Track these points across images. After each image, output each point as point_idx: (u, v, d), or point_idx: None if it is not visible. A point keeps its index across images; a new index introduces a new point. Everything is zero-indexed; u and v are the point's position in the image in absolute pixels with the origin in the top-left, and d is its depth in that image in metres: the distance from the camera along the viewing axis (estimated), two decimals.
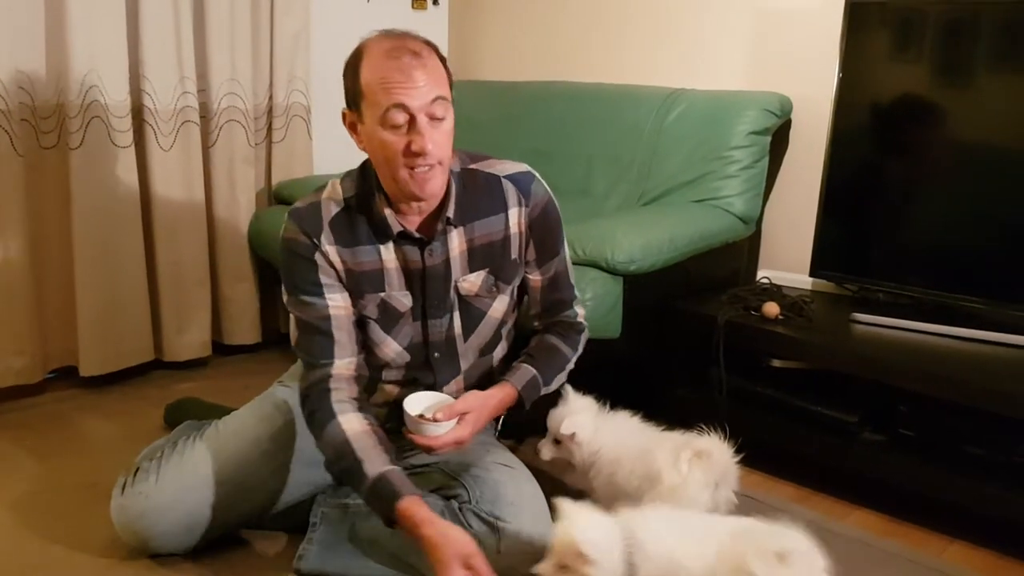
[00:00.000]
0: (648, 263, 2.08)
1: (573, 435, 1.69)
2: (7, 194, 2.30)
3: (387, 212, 1.54)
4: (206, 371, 2.73)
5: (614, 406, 1.77)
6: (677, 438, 1.65)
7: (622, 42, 2.88)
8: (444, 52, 3.36)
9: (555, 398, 1.76)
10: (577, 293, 1.77)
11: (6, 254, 2.33)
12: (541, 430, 1.76)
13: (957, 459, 1.85)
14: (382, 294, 1.59)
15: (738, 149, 2.37)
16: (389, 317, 1.61)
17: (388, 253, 1.57)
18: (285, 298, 1.61)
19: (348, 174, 1.61)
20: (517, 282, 1.69)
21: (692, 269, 2.24)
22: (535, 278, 1.70)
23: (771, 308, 2.10)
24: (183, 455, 1.68)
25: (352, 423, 1.50)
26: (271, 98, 2.81)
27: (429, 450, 1.52)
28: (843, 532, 1.85)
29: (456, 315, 1.64)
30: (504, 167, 1.64)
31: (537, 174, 1.66)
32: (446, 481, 1.65)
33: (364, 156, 1.56)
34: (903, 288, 2.13)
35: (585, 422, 1.70)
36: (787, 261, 2.50)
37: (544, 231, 1.65)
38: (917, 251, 2.12)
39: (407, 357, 1.65)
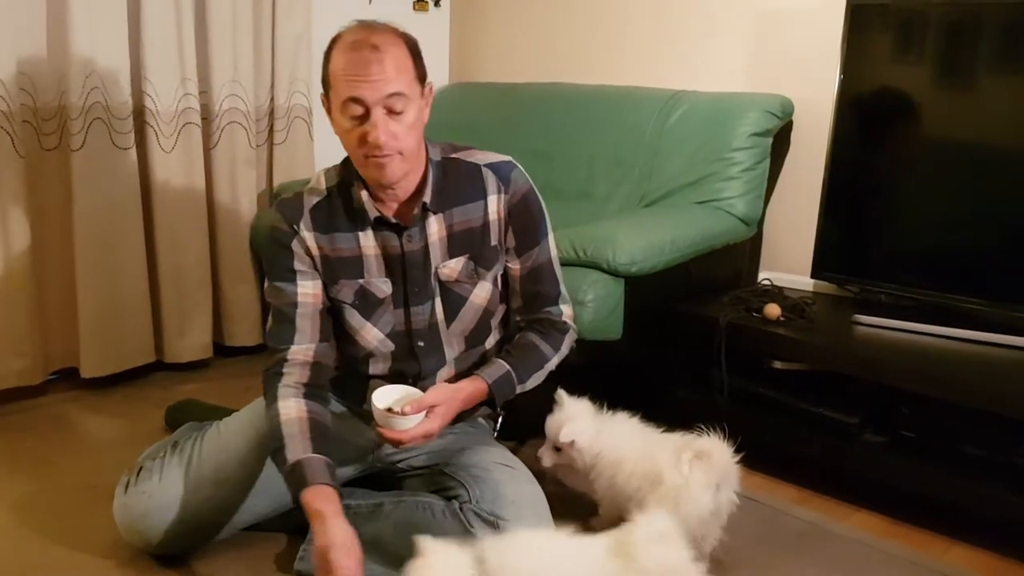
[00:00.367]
0: (649, 265, 2.08)
1: (573, 442, 1.69)
2: (9, 195, 2.30)
3: (364, 198, 1.58)
4: (207, 373, 2.73)
5: (615, 407, 1.77)
6: (678, 439, 1.65)
7: (623, 44, 2.88)
8: (444, 54, 3.34)
9: (551, 403, 1.75)
10: (563, 290, 1.76)
11: (7, 255, 2.33)
12: (542, 432, 1.76)
13: (958, 460, 1.84)
14: (360, 280, 1.62)
15: (739, 151, 2.37)
16: (368, 303, 1.63)
17: (367, 240, 1.61)
18: (265, 287, 1.66)
19: (334, 165, 1.65)
20: (499, 269, 1.70)
21: (693, 271, 2.24)
22: (515, 267, 1.70)
23: (772, 310, 2.10)
24: (185, 455, 1.68)
25: (288, 408, 1.52)
26: (272, 100, 2.81)
27: (397, 444, 1.52)
28: (844, 533, 1.85)
29: (438, 301, 1.65)
30: (485, 156, 1.67)
31: (519, 165, 1.69)
32: (447, 482, 1.65)
33: None
34: (904, 290, 2.12)
35: (584, 428, 1.70)
36: (788, 262, 2.50)
37: (524, 219, 1.67)
38: (918, 253, 2.12)
39: (391, 346, 1.67)
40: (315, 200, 1.62)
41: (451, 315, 1.67)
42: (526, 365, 1.68)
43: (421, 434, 1.51)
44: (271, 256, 1.64)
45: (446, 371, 1.71)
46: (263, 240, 1.63)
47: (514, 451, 1.75)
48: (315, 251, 1.61)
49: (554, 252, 1.74)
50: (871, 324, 2.07)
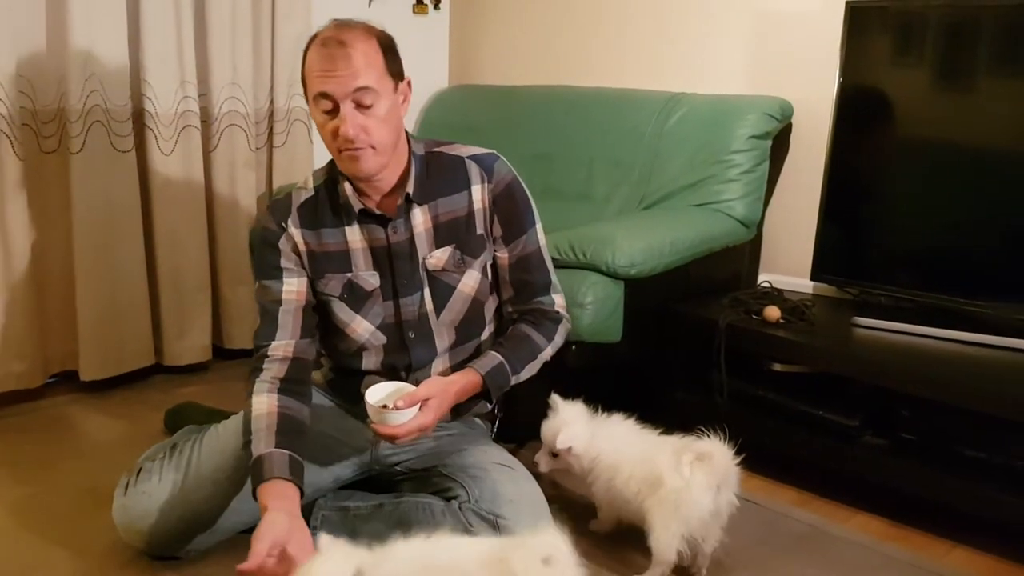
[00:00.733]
0: (649, 267, 2.08)
1: (569, 448, 1.69)
2: (8, 198, 2.30)
3: (348, 192, 1.62)
4: (207, 375, 2.73)
5: (615, 409, 1.76)
6: (677, 442, 1.64)
7: (623, 46, 2.88)
8: (444, 56, 3.34)
9: (545, 407, 1.75)
10: (554, 279, 1.77)
11: (7, 258, 2.33)
12: (539, 435, 1.75)
13: (959, 463, 1.84)
14: (348, 274, 1.65)
15: (739, 153, 2.37)
16: (356, 296, 1.66)
17: (353, 234, 1.65)
18: (255, 287, 1.70)
19: (323, 165, 1.70)
20: (487, 258, 1.71)
21: (693, 273, 2.24)
22: (503, 255, 1.72)
23: (772, 312, 2.10)
24: (185, 456, 1.68)
25: (260, 404, 1.54)
26: (272, 102, 2.81)
27: (393, 439, 1.52)
28: (845, 536, 1.84)
29: (426, 291, 1.67)
30: (468, 149, 1.71)
31: (502, 157, 1.72)
32: (445, 483, 1.65)
33: None
34: (904, 292, 2.12)
35: (579, 433, 1.69)
36: (788, 265, 2.50)
37: (509, 207, 1.69)
38: (918, 255, 2.12)
39: (383, 338, 1.68)
40: (303, 198, 1.67)
41: (440, 305, 1.69)
42: (519, 355, 1.68)
43: (416, 427, 1.51)
44: (260, 255, 1.68)
45: (440, 363, 1.72)
46: (255, 241, 1.66)
47: (512, 453, 1.74)
48: (302, 247, 1.65)
49: (543, 242, 1.75)
50: (871, 326, 2.07)
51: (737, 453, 1.58)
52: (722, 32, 2.62)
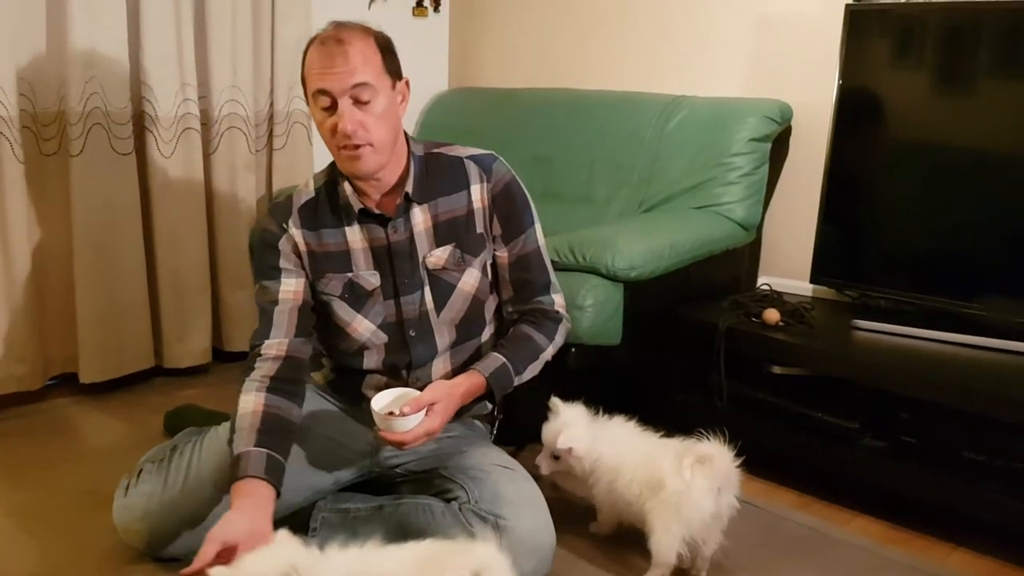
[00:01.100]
0: (649, 269, 2.08)
1: (570, 449, 1.69)
2: (8, 200, 2.30)
3: (348, 192, 1.63)
4: (206, 378, 2.73)
5: (615, 412, 1.77)
6: (677, 444, 1.65)
7: (623, 49, 2.89)
8: (444, 59, 3.36)
9: (545, 410, 1.75)
10: (553, 279, 1.78)
11: (7, 261, 2.33)
12: (540, 437, 1.75)
13: (958, 465, 1.84)
14: (349, 274, 1.66)
15: (739, 156, 2.37)
16: (357, 296, 1.67)
17: (354, 235, 1.66)
18: (254, 289, 1.70)
19: (324, 167, 1.71)
20: (486, 257, 1.72)
21: (693, 275, 2.25)
22: (502, 255, 1.72)
23: (771, 314, 2.10)
24: (185, 457, 1.68)
25: (247, 402, 1.55)
26: (272, 105, 2.82)
27: (400, 445, 1.52)
28: (845, 539, 1.84)
29: (427, 289, 1.68)
30: (467, 150, 1.72)
31: (501, 157, 1.73)
32: (445, 484, 1.65)
33: None
34: (904, 295, 2.13)
35: (580, 435, 1.69)
36: (787, 268, 2.50)
37: (507, 206, 1.70)
38: (918, 258, 2.12)
39: (384, 337, 1.69)
40: (304, 199, 1.68)
41: (440, 303, 1.69)
42: (521, 356, 1.69)
43: (423, 432, 1.51)
44: (259, 257, 1.69)
45: (441, 363, 1.72)
46: (254, 243, 1.66)
47: (512, 455, 1.74)
48: (302, 247, 1.66)
49: (542, 242, 1.76)
50: (870, 329, 2.07)
51: (737, 456, 1.58)
52: (722, 35, 2.63)
